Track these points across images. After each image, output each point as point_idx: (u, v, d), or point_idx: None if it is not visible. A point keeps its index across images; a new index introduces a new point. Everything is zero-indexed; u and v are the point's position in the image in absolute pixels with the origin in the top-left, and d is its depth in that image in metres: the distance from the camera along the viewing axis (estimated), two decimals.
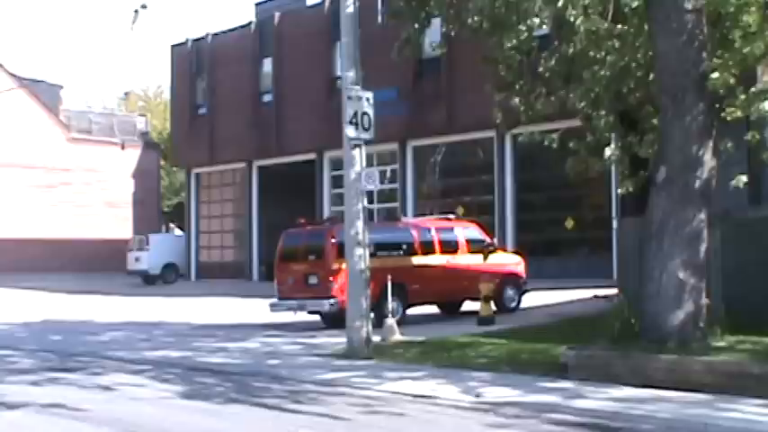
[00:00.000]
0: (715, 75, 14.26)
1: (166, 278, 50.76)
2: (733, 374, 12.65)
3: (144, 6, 18.07)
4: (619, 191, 19.32)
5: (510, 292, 25.74)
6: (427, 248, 24.86)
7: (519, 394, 12.91)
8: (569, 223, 36.42)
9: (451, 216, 28.21)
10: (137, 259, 51.11)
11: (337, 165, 39.66)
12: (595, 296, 21.53)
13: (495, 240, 28.61)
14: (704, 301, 14.58)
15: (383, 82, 32.59)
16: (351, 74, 18.70)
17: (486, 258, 25.32)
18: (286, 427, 11.18)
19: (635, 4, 16.82)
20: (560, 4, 16.59)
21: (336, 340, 19.73)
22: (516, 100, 18.68)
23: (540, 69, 18.24)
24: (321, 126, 41.10)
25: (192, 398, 13.64)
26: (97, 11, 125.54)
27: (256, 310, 27.46)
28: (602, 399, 12.38)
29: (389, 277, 21.03)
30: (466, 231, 26.32)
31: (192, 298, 38.61)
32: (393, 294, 21.17)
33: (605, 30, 16.83)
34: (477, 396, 12.95)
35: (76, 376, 16.17)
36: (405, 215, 35.77)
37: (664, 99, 15.12)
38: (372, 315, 18.91)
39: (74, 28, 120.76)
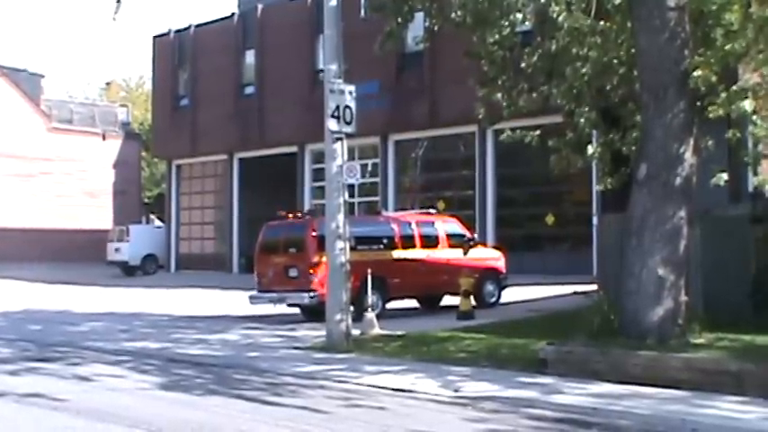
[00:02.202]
0: (697, 72, 14.32)
1: (146, 269, 50.71)
2: (711, 371, 12.71)
3: None
4: (598, 187, 19.39)
5: (490, 287, 25.77)
6: (407, 242, 24.87)
7: (498, 389, 12.94)
8: (550, 219, 36.48)
9: (432, 211, 28.22)
10: (117, 250, 51.03)
11: (319, 158, 39.63)
12: (575, 292, 21.58)
13: (476, 235, 28.64)
14: (683, 297, 14.66)
15: (365, 75, 32.54)
16: (333, 67, 18.70)
17: (466, 253, 25.34)
18: (265, 419, 11.18)
19: (618, 1, 16.89)
20: None
21: (316, 333, 19.75)
22: (499, 95, 18.70)
23: (523, 65, 18.27)
24: (303, 119, 41.01)
25: (171, 389, 13.62)
26: (80, 0, 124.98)
27: (236, 302, 27.43)
28: (580, 394, 12.42)
29: (369, 271, 21.01)
30: (446, 226, 26.33)
31: (172, 289, 38.53)
32: (373, 288, 21.16)
33: (588, 26, 16.86)
34: (457, 390, 12.97)
35: (55, 366, 16.12)
36: (385, 209, 35.77)
37: (645, 96, 15.19)
38: (352, 308, 18.93)
39: (56, 17, 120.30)
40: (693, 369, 12.87)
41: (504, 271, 26.48)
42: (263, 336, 20.78)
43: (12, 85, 59.96)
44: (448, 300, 25.36)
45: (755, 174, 18.78)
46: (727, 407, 11.43)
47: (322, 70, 25.45)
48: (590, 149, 17.65)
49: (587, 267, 29.18)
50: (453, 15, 17.82)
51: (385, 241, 24.55)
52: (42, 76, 65.54)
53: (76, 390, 13.65)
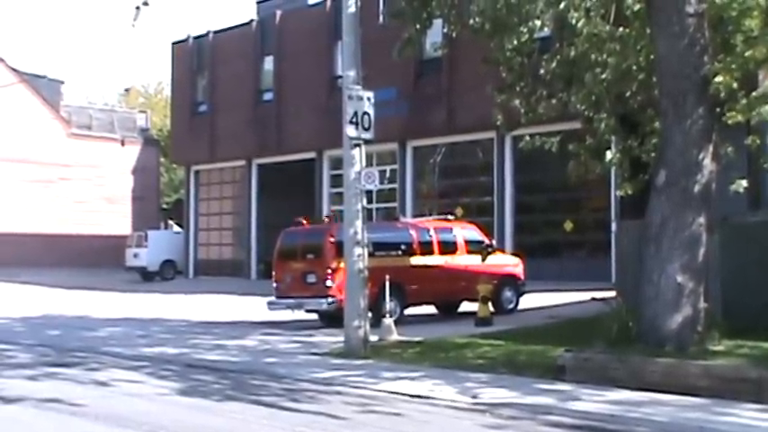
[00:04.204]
0: (717, 78, 14.27)
1: (165, 275, 50.86)
2: (730, 379, 12.65)
3: (146, 3, 18.11)
4: (618, 193, 19.34)
5: (508, 293, 25.73)
6: (426, 249, 24.85)
7: (516, 396, 12.91)
8: (568, 225, 36.40)
9: (450, 217, 28.16)
10: (135, 255, 51.19)
11: (337, 164, 39.67)
12: (593, 299, 21.47)
13: (494, 242, 28.60)
14: (702, 304, 14.60)
15: (384, 82, 32.61)
16: (351, 73, 18.71)
17: (484, 259, 25.30)
18: (283, 424, 11.18)
19: (637, 7, 16.85)
20: (562, 6, 16.62)
21: (334, 339, 19.73)
22: (517, 102, 18.68)
23: (542, 71, 18.24)
24: (321, 125, 41.09)
25: (190, 395, 13.64)
26: (99, 7, 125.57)
27: (254, 307, 27.47)
28: (598, 401, 12.38)
29: (388, 277, 21.00)
30: (465, 232, 26.30)
31: (191, 295, 38.60)
32: (391, 294, 21.15)
33: (607, 32, 16.84)
34: (474, 397, 12.95)
35: (74, 371, 16.17)
36: (403, 215, 35.76)
37: (664, 102, 15.14)
38: (370, 315, 18.91)
39: (75, 23, 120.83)
40: (712, 376, 12.81)
41: (522, 277, 26.44)
42: (281, 341, 20.79)
43: (32, 91, 60.27)
44: (466, 306, 25.32)
45: None
46: (747, 414, 11.37)
47: (340, 76, 25.51)
48: (608, 155, 17.60)
49: (605, 274, 29.09)
50: (472, 22, 17.80)
51: (403, 247, 24.53)
52: (62, 83, 65.92)
53: (95, 395, 13.69)
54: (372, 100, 18.60)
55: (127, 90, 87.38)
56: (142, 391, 14.01)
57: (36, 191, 59.65)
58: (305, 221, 25.13)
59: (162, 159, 69.01)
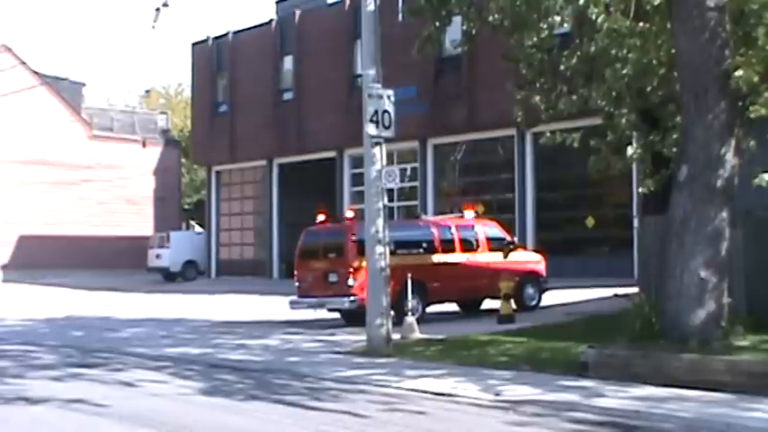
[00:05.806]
0: (739, 72, 14.17)
1: (187, 275, 50.99)
2: (755, 374, 12.57)
3: (166, 4, 18.25)
4: (640, 189, 19.27)
5: (530, 290, 25.65)
6: (447, 246, 24.81)
7: (539, 393, 12.87)
8: (590, 222, 36.28)
9: (469, 214, 27.88)
10: (157, 256, 51.37)
11: (358, 162, 39.69)
12: (616, 295, 21.39)
13: (516, 238, 28.51)
14: (726, 300, 14.53)
15: (404, 80, 32.57)
16: (371, 72, 18.71)
17: (506, 256, 25.24)
18: (306, 423, 11.19)
19: (657, 2, 16.75)
20: (582, 1, 16.53)
21: (356, 338, 19.75)
22: (537, 98, 18.61)
23: (562, 67, 18.18)
24: (341, 124, 41.12)
25: (213, 394, 13.67)
26: (119, 9, 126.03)
27: (276, 307, 27.51)
28: (622, 398, 12.33)
29: (409, 275, 20.99)
30: (486, 229, 26.24)
31: (213, 295, 38.72)
32: (413, 292, 21.13)
33: (627, 28, 16.75)
34: (497, 394, 12.93)
35: (98, 372, 16.24)
36: (424, 213, 35.72)
37: (685, 97, 15.07)
38: (392, 313, 18.92)
39: (96, 26, 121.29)
40: (737, 372, 12.74)
41: (544, 274, 26.36)
42: (304, 340, 20.80)
43: (53, 93, 60.53)
44: (488, 303, 25.28)
45: None
46: None
47: (360, 75, 25.50)
48: (630, 151, 17.52)
49: (628, 270, 28.98)
50: (491, 19, 17.76)
51: (425, 245, 24.50)
52: (83, 85, 66.09)
53: (119, 395, 13.74)
54: (392, 98, 18.59)
55: (147, 91, 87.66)
56: (165, 392, 14.05)
57: (58, 193, 59.84)
58: (327, 218, 25.11)
59: (183, 160, 69.15)
